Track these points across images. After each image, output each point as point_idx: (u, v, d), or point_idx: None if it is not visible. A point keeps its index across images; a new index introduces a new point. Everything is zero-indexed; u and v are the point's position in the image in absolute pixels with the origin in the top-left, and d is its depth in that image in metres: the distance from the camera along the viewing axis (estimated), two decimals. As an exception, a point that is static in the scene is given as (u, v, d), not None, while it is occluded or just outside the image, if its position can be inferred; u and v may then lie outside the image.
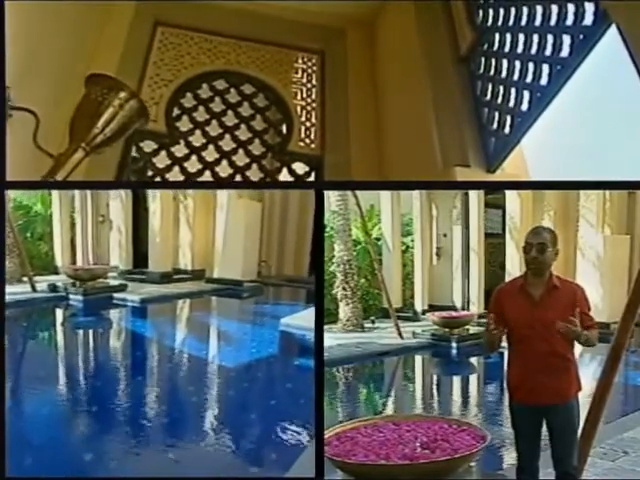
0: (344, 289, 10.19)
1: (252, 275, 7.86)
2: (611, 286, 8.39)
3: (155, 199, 8.33)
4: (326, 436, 3.73)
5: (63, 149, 3.20)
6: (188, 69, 5.25)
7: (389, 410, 6.47)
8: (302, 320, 5.80)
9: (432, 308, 10.88)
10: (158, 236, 8.27)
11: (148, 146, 4.92)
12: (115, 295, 7.96)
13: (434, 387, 8.09)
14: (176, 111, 5.13)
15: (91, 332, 7.15)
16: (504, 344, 3.00)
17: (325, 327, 3.87)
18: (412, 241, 11.83)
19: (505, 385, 3.00)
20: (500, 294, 2.99)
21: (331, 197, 9.85)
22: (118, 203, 8.87)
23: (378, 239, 11.69)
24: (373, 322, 10.51)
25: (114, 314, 7.79)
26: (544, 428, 2.90)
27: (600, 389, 3.36)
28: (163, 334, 6.77)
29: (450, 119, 4.19)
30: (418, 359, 9.13)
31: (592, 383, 3.45)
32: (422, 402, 6.96)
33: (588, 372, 4.07)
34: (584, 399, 3.08)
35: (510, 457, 3.94)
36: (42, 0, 3.52)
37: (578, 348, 2.88)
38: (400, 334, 9.30)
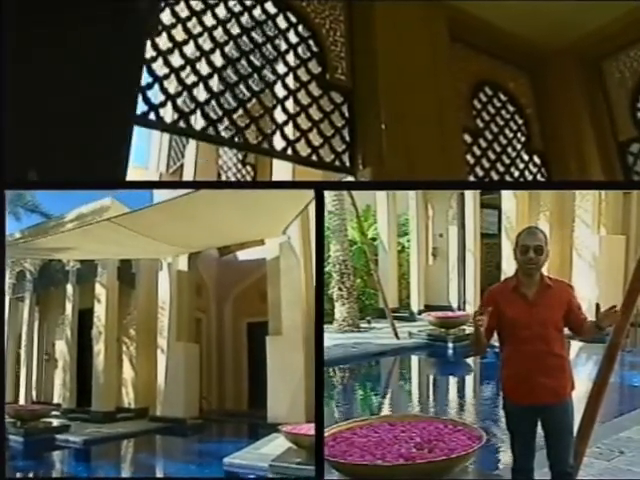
0: (340, 289, 10.19)
1: (194, 411, 8.04)
2: (607, 286, 8.39)
3: (99, 341, 8.47)
4: (323, 436, 3.73)
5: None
6: None
7: (385, 410, 6.48)
8: (244, 459, 5.87)
9: (428, 308, 10.89)
10: (101, 376, 8.39)
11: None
12: (57, 436, 7.70)
13: (430, 387, 8.10)
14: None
15: (31, 476, 6.91)
16: (497, 343, 3.01)
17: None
18: (408, 241, 11.84)
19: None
20: (493, 295, 2.97)
21: (327, 197, 9.84)
22: (63, 343, 9.03)
23: (374, 239, 11.70)
24: (369, 322, 10.51)
25: (56, 456, 7.58)
26: (539, 428, 2.91)
27: (596, 389, 3.38)
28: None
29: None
30: (414, 359, 9.14)
31: (588, 383, 3.46)
32: (418, 402, 6.97)
33: (584, 372, 4.08)
34: (580, 399, 3.09)
35: (506, 457, 3.95)
36: None
37: (575, 348, 2.89)
38: (396, 334, 9.30)
